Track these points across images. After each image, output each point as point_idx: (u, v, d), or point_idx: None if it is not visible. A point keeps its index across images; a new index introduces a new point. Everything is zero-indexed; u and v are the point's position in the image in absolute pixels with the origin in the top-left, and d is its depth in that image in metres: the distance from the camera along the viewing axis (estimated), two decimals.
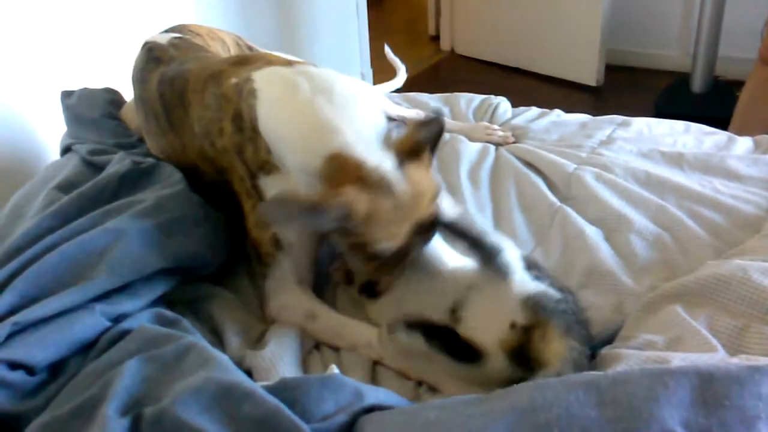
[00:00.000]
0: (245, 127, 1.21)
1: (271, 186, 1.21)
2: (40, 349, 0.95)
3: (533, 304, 1.00)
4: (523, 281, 1.03)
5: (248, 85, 1.23)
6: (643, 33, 3.93)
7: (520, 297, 1.01)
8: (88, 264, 1.06)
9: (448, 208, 1.21)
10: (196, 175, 1.34)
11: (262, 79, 1.24)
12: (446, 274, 1.15)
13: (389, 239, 1.09)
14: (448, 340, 1.03)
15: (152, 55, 1.50)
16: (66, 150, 1.60)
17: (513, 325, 0.99)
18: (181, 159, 1.37)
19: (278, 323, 1.20)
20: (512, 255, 1.06)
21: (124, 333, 1.00)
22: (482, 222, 1.45)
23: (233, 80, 1.25)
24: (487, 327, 1.01)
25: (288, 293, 1.23)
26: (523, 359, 0.97)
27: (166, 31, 1.63)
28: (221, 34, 1.74)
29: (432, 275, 1.16)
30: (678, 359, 0.89)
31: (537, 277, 1.04)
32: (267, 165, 1.21)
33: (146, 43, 1.56)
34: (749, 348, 0.95)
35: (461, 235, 1.09)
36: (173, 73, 1.38)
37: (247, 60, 1.34)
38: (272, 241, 1.23)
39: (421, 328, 1.04)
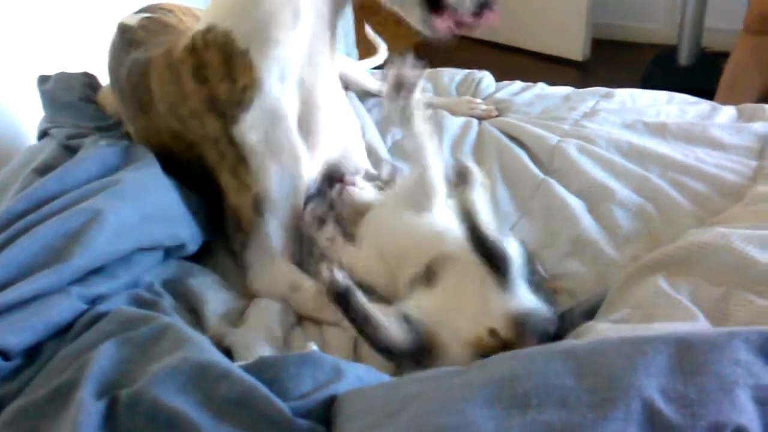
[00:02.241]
0: (211, 71, 1.21)
1: (249, 126, 1.20)
2: (15, 333, 0.93)
3: (521, 323, 0.95)
4: (521, 297, 0.97)
5: (199, 34, 1.23)
6: (629, 6, 3.91)
7: (510, 311, 0.95)
8: (63, 246, 1.03)
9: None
10: (171, 159, 1.32)
11: (206, 17, 1.25)
12: (432, 225, 1.13)
13: None
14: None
15: (125, 38, 1.48)
16: (43, 134, 1.58)
17: (492, 333, 0.95)
18: (154, 142, 1.36)
19: (259, 298, 1.19)
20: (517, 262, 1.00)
21: (101, 315, 0.98)
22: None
23: (182, 44, 1.25)
24: (463, 317, 0.97)
25: (270, 263, 1.23)
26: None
27: (138, 12, 1.60)
28: (193, 10, 1.71)
29: (416, 220, 1.15)
30: (657, 328, 0.88)
31: (535, 288, 0.99)
32: (249, 87, 1.19)
33: (119, 25, 1.54)
34: (731, 315, 0.95)
35: (473, 228, 0.99)
36: (139, 57, 1.37)
37: (184, 31, 1.36)
38: (253, 205, 1.22)
39: None
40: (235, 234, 1.26)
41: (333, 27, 1.27)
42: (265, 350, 1.02)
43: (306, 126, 1.27)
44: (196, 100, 1.22)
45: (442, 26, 1.19)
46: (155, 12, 1.59)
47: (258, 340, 1.04)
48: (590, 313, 1.06)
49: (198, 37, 1.23)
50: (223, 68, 1.20)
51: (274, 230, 1.23)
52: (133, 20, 1.53)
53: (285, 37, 1.20)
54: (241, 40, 1.20)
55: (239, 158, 1.21)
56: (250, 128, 1.20)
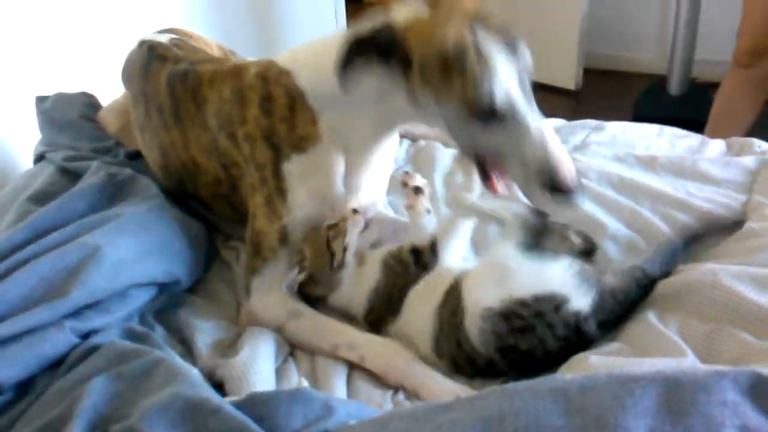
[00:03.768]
0: (277, 107, 1.24)
1: (297, 169, 1.24)
2: (8, 367, 0.94)
3: None
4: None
5: (274, 69, 1.26)
6: (621, 36, 3.96)
7: None
8: (60, 281, 1.04)
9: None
10: (193, 173, 1.36)
11: (288, 59, 1.28)
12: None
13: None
14: None
15: (156, 53, 1.51)
16: (39, 158, 1.58)
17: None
18: (180, 154, 1.40)
19: (252, 329, 1.19)
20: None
21: (93, 349, 0.99)
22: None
23: (253, 70, 1.29)
24: None
25: (275, 291, 1.25)
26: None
27: (161, 32, 1.64)
28: (206, 39, 1.77)
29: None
30: (647, 365, 0.89)
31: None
32: (306, 139, 1.24)
33: (143, 42, 1.57)
34: (720, 352, 0.96)
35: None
36: (185, 70, 1.40)
37: (257, 61, 1.37)
38: (279, 234, 1.25)
39: None
40: (252, 259, 1.27)
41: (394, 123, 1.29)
42: (257, 383, 1.03)
43: (348, 180, 1.31)
44: (254, 126, 1.25)
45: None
46: (179, 35, 1.64)
47: (250, 373, 1.04)
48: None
49: (272, 71, 1.26)
50: (287, 111, 1.24)
51: (289, 259, 1.27)
52: (162, 38, 1.57)
53: (352, 117, 1.23)
54: (313, 101, 1.23)
55: (279, 190, 1.25)
56: (297, 168, 1.25)
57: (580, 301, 1.01)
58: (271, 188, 1.25)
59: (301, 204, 1.26)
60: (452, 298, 1.07)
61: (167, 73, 1.42)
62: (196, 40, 1.68)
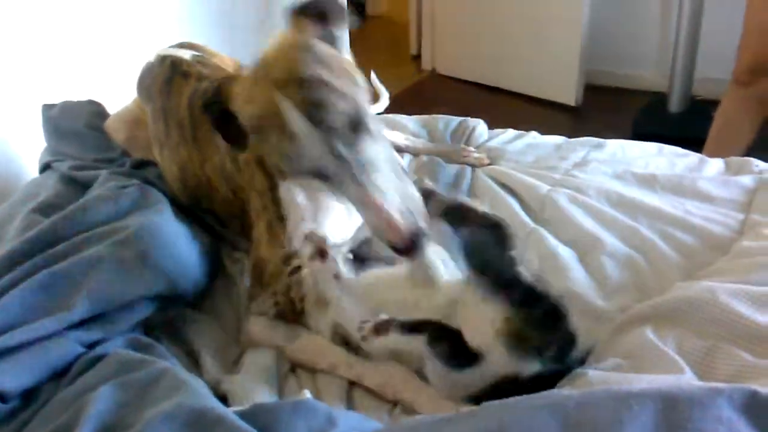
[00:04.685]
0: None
1: (289, 196, 1.23)
2: (14, 376, 0.95)
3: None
4: None
5: None
6: (622, 54, 3.98)
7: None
8: (65, 293, 1.06)
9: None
10: (209, 191, 1.38)
11: None
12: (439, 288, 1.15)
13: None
14: (448, 342, 1.02)
15: (179, 70, 1.52)
16: (45, 167, 1.59)
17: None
18: (197, 172, 1.41)
19: (254, 346, 1.20)
20: None
21: (99, 358, 1.00)
22: None
23: None
24: (480, 325, 1.01)
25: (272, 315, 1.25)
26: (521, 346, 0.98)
27: (179, 47, 1.66)
28: (222, 55, 1.77)
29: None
30: (645, 381, 0.90)
31: None
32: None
33: (164, 57, 1.58)
34: (717, 369, 0.97)
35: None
36: (205, 89, 1.39)
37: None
38: (281, 261, 1.24)
39: (418, 329, 1.04)
40: (254, 286, 1.28)
41: None
42: (260, 396, 1.04)
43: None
44: (252, 152, 1.25)
45: None
46: (199, 51, 1.64)
47: (254, 387, 1.06)
48: (579, 363, 1.08)
49: None
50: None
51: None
52: (184, 54, 1.58)
53: None
54: None
55: (279, 216, 1.25)
56: (289, 195, 1.24)
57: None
58: (271, 214, 1.25)
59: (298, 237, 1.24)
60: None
61: (190, 91, 1.43)
62: (215, 57, 1.69)
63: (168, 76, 1.52)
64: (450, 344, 1.02)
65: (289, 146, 0.99)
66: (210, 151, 1.37)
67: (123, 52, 1.59)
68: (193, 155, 1.42)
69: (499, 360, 0.98)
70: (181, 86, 1.47)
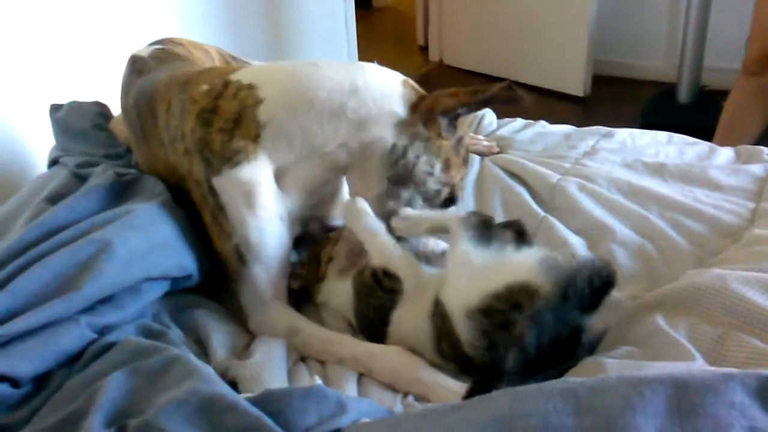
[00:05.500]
0: (217, 119, 1.19)
1: (229, 183, 1.19)
2: (26, 361, 0.95)
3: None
4: None
5: (233, 85, 1.22)
6: (630, 44, 3.97)
7: None
8: (73, 275, 1.05)
9: None
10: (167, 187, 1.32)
11: (250, 74, 1.24)
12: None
13: None
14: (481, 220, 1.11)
15: (135, 68, 1.51)
16: (53, 162, 1.60)
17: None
18: (153, 170, 1.36)
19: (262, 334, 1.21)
20: None
21: (110, 345, 1.00)
22: None
23: (204, 87, 1.23)
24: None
25: (265, 309, 1.23)
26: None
27: (151, 44, 1.65)
28: (204, 45, 1.76)
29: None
30: (656, 369, 0.90)
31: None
32: (242, 153, 1.18)
33: (131, 56, 1.58)
34: (728, 356, 0.97)
35: None
36: (146, 83, 1.38)
37: (213, 69, 1.36)
38: (236, 255, 1.21)
39: None
40: (231, 282, 1.25)
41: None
42: (271, 383, 1.04)
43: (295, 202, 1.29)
44: (190, 140, 1.21)
45: None
46: (167, 44, 1.63)
47: (264, 373, 1.06)
48: (590, 351, 1.08)
49: (230, 89, 1.22)
50: (230, 122, 1.19)
51: (263, 277, 1.22)
52: (145, 51, 1.57)
53: (300, 155, 1.22)
54: (265, 116, 1.19)
55: (219, 207, 1.20)
56: (229, 184, 1.19)
57: (551, 287, 0.97)
58: (212, 206, 1.21)
59: (243, 222, 1.20)
60: (438, 307, 1.06)
61: (135, 88, 1.40)
62: (186, 46, 1.65)
63: (127, 77, 1.51)
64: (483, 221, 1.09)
65: None
66: (155, 146, 1.32)
67: (128, 52, 1.59)
68: (147, 153, 1.38)
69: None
70: (132, 85, 1.44)
